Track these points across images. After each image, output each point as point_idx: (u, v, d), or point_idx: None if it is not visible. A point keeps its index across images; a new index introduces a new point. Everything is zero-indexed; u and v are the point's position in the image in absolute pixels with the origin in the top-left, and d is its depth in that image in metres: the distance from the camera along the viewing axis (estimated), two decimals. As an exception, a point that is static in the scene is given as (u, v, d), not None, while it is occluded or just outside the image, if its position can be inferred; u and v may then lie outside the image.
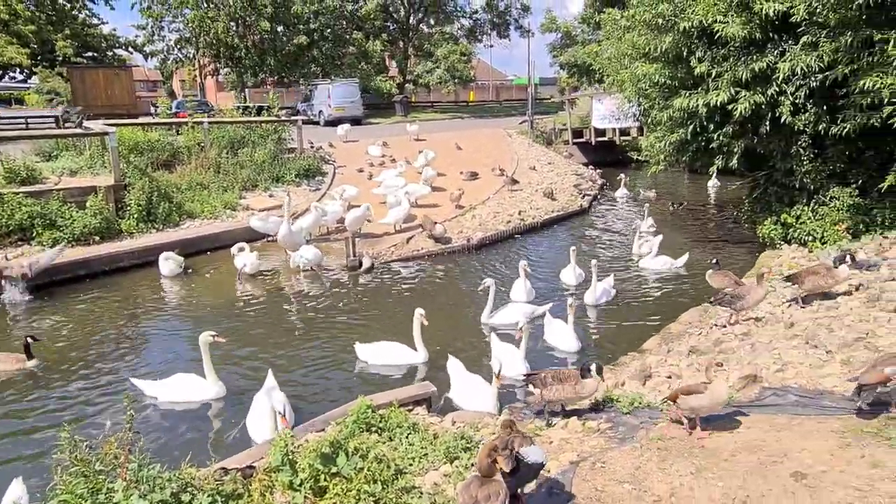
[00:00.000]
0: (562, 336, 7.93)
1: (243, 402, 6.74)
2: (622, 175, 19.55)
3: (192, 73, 42.11)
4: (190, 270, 11.62)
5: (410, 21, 48.47)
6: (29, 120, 24.26)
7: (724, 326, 7.37)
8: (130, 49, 39.11)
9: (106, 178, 13.72)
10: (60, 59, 39.45)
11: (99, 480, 3.68)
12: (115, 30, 37.74)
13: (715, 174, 17.64)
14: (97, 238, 12.28)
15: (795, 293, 7.51)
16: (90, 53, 38.52)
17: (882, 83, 8.23)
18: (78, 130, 15.92)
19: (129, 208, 13.17)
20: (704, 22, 10.24)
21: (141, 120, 23.28)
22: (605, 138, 25.47)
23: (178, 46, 37.48)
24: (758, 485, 3.75)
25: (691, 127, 11.34)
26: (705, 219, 16.70)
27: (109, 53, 38.89)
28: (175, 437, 6.11)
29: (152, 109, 37.53)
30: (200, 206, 14.55)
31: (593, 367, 4.95)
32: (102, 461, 3.81)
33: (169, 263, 11.28)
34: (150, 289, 10.94)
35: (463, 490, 3.38)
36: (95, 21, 38.22)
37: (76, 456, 3.73)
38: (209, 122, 17.79)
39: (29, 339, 7.66)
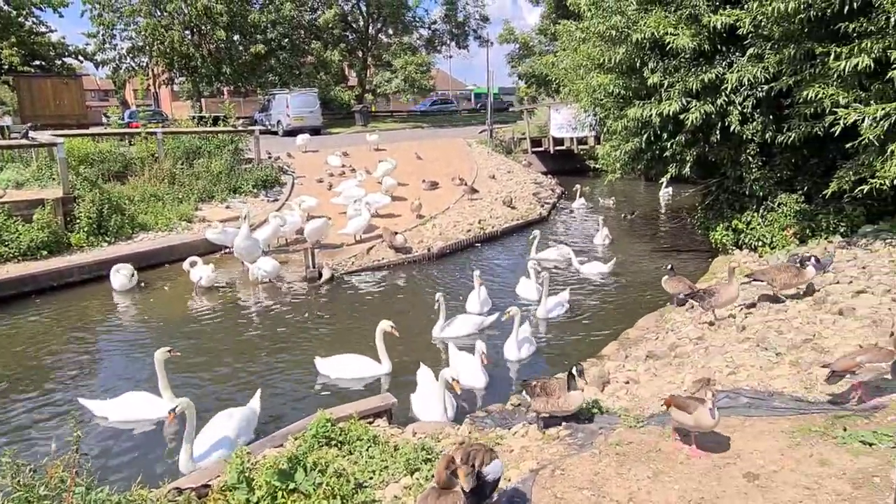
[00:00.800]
0: (506, 345, 7.93)
1: (201, 418, 6.56)
2: (578, 186, 19.72)
3: (146, 83, 41.13)
4: (143, 284, 11.31)
5: (369, 31, 48.43)
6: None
7: (708, 324, 7.46)
8: (80, 58, 37.88)
9: (54, 191, 13.29)
10: (6, 67, 38.10)
11: (43, 506, 3.54)
12: (64, 38, 36.32)
13: (666, 183, 18.06)
14: (45, 252, 11.87)
15: (750, 296, 7.71)
16: (38, 62, 37.20)
17: (824, 94, 8.56)
18: (24, 141, 15.39)
19: (78, 221, 12.77)
20: (656, 34, 10.49)
21: (91, 130, 22.66)
22: (563, 147, 25.85)
23: (131, 55, 36.57)
24: (712, 486, 3.83)
25: (645, 136, 11.59)
26: (659, 226, 17.07)
27: (58, 62, 37.61)
28: (126, 458, 5.91)
29: (104, 119, 36.59)
30: (154, 218, 14.21)
31: (574, 370, 4.88)
32: (47, 485, 3.67)
33: (120, 277, 10.95)
34: (102, 304, 10.61)
35: (421, 502, 3.35)
36: (43, 29, 36.94)
37: (19, 480, 3.58)
38: (163, 133, 17.43)
39: None
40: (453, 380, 5.91)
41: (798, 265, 7.47)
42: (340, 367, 7.51)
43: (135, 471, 5.25)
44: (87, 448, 5.72)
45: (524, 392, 5.32)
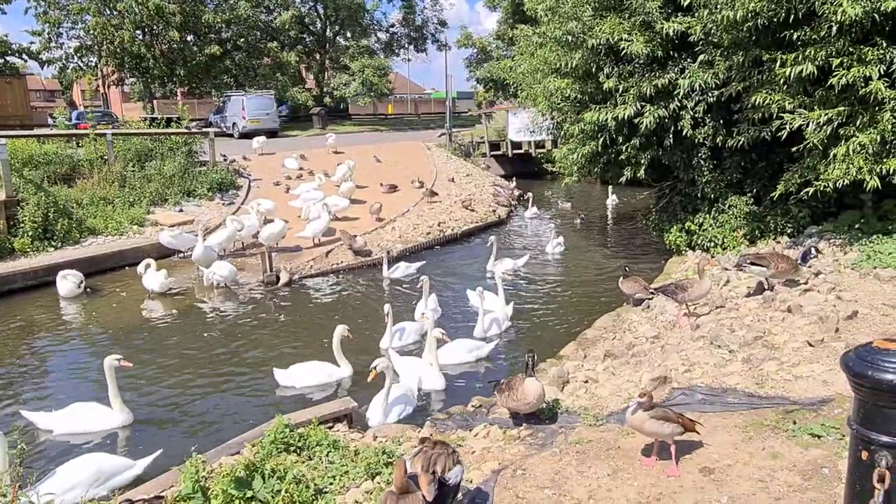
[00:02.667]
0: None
1: (152, 429, 6.42)
2: (530, 195, 19.46)
3: (94, 83, 39.83)
4: (89, 290, 10.91)
5: (327, 33, 48.02)
6: None
7: (668, 323, 7.55)
8: (24, 56, 36.49)
9: (-5, 194, 12.75)
10: (-56, 65, 36.42)
11: (-16, 522, 3.37)
12: (6, 35, 34.95)
13: (611, 192, 18.39)
14: (-15, 258, 11.37)
15: (764, 276, 7.74)
16: (-22, 60, 35.71)
17: (771, 99, 8.86)
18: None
19: (22, 226, 12.26)
20: (611, 40, 10.69)
21: (36, 131, 21.84)
22: (521, 151, 26.12)
23: (79, 55, 35.37)
24: (670, 482, 3.90)
25: (601, 139, 11.78)
26: (613, 229, 17.35)
27: (0, 61, 36.17)
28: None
29: (49, 121, 35.33)
30: (104, 222, 13.76)
31: (527, 356, 4.93)
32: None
33: (67, 283, 10.55)
34: (48, 311, 10.21)
35: None
36: (-17, 26, 35.61)
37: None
38: (113, 134, 16.90)
39: None
40: (372, 369, 6.01)
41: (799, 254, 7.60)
42: (301, 377, 7.33)
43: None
44: (32, 461, 5.48)
45: (494, 391, 5.34)
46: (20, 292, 10.94)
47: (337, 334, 7.41)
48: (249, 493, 3.91)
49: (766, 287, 7.63)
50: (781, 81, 8.71)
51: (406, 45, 52.76)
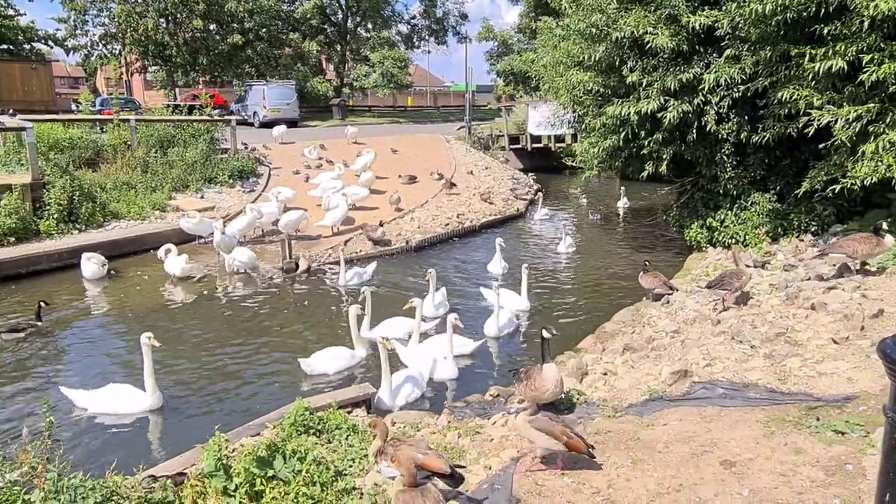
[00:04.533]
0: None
1: (180, 410, 6.55)
2: (539, 194, 19.03)
3: (118, 70, 40.27)
4: (113, 273, 11.07)
5: (348, 24, 48.07)
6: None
7: (726, 310, 7.49)
8: (50, 43, 36.91)
9: (22, 176, 12.94)
10: (-28, 51, 37.01)
11: (13, 492, 3.45)
12: (33, 22, 35.43)
13: (623, 195, 18.16)
14: (12, 239, 11.55)
15: (846, 262, 7.55)
16: (5, 46, 36.17)
17: (798, 95, 8.73)
18: (-8, 125, 14.96)
19: (48, 208, 12.47)
20: (635, 33, 10.59)
21: (62, 116, 22.12)
22: (541, 144, 26.00)
23: (103, 42, 35.76)
24: (690, 473, 3.88)
25: (623, 134, 11.68)
26: (631, 226, 17.17)
27: (27, 47, 36.58)
28: (103, 446, 5.80)
29: (73, 106, 35.79)
30: (127, 206, 13.95)
31: (544, 332, 4.97)
32: (18, 470, 3.58)
33: (91, 265, 10.72)
34: (72, 292, 10.37)
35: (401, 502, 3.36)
36: (11, 12, 35.94)
37: (-12, 466, 3.49)
38: (136, 120, 17.10)
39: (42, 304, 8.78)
40: (383, 341, 6.32)
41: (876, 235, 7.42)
42: (326, 362, 7.34)
43: (110, 458, 5.15)
44: (63, 437, 5.61)
45: (513, 381, 5.36)
46: (45, 273, 11.12)
47: (352, 315, 7.51)
48: (270, 472, 3.96)
49: (853, 270, 7.47)
50: (810, 77, 8.58)
51: (426, 38, 52.68)
